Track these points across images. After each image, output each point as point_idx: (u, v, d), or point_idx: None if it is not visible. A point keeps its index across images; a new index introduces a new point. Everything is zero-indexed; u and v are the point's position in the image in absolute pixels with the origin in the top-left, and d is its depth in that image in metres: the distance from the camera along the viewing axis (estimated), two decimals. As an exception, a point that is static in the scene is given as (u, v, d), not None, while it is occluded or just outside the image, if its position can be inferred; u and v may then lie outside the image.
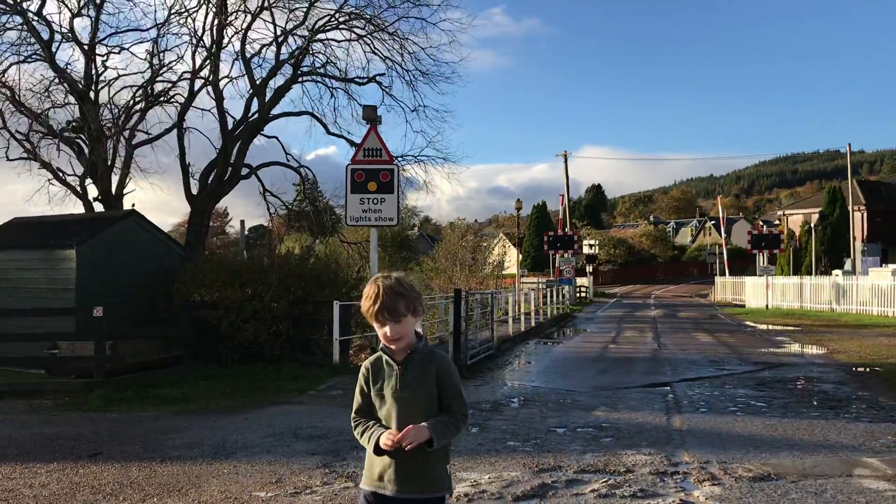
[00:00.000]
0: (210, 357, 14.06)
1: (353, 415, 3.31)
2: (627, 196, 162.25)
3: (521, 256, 40.34)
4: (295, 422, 9.34)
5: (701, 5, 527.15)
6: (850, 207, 47.87)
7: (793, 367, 14.99)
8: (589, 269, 60.38)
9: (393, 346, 3.22)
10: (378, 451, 3.11)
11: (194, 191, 19.50)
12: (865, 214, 56.50)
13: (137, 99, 19.65)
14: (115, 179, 19.24)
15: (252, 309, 14.08)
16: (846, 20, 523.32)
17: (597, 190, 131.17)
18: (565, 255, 44.76)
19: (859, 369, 14.70)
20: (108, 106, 19.61)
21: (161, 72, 19.76)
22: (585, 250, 60.90)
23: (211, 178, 19.37)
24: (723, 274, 55.18)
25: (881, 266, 38.33)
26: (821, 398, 11.22)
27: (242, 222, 21.88)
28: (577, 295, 48.06)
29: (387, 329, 3.17)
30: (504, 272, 51.73)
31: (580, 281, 51.96)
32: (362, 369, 3.33)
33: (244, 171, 20.14)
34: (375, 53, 19.98)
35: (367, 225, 15.47)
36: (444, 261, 40.57)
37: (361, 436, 3.22)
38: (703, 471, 6.88)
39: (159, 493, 6.28)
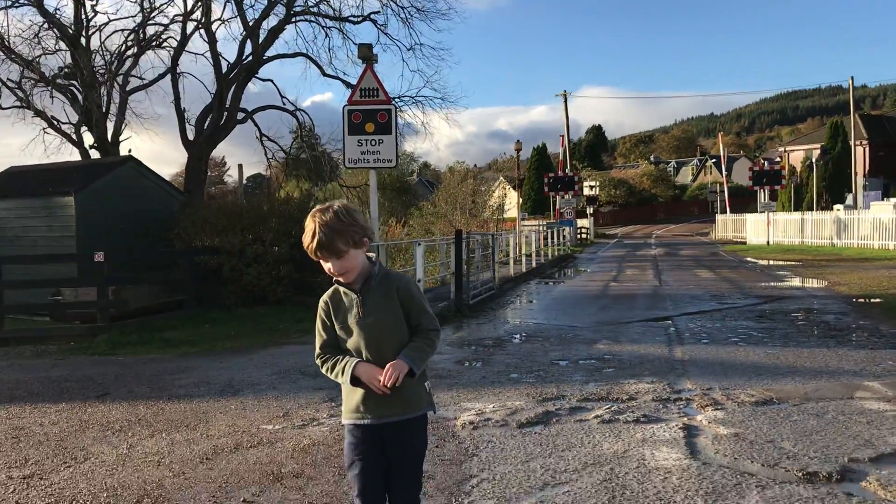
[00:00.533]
0: (213, 302, 14.12)
1: (317, 351, 3.22)
2: (628, 136, 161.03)
3: (521, 200, 40.17)
4: (300, 360, 9.40)
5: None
6: (852, 142, 47.55)
7: (794, 300, 15.04)
8: (590, 210, 60.29)
9: (342, 279, 3.13)
10: (354, 381, 3.07)
11: (191, 137, 19.37)
12: (868, 149, 56.11)
13: (129, 44, 19.38)
14: (110, 126, 19.09)
15: (254, 253, 14.09)
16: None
17: (597, 131, 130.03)
18: (566, 197, 44.62)
19: (860, 300, 14.75)
20: (100, 51, 19.34)
21: (152, 15, 19.49)
22: (586, 192, 60.69)
23: (207, 124, 19.21)
24: (724, 212, 55.05)
25: (883, 200, 38.21)
26: (822, 328, 11.27)
27: (240, 167, 21.73)
28: (578, 236, 48.09)
29: (329, 265, 3.09)
30: (504, 216, 51.71)
31: (581, 222, 51.93)
32: (321, 304, 3.23)
33: (240, 115, 19.96)
34: (370, -10, 19.57)
35: (365, 167, 15.33)
36: (443, 205, 40.44)
37: (332, 370, 3.15)
38: (705, 397, 6.95)
39: (167, 428, 6.34)
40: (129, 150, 19.43)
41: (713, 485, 4.61)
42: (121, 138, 19.08)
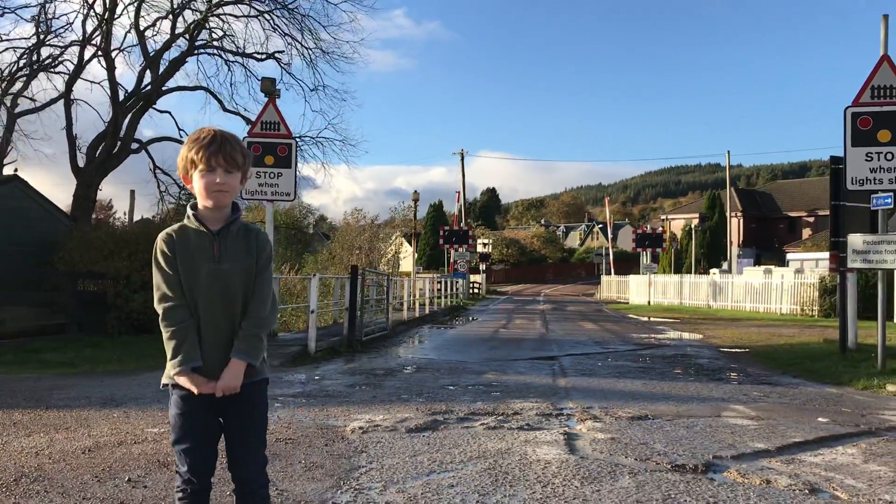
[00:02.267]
0: (96, 328, 13.65)
1: (163, 304, 2.81)
2: (520, 200, 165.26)
3: (416, 253, 40.65)
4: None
5: (596, 17, 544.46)
6: (728, 213, 50.57)
7: (671, 347, 15.82)
8: (482, 267, 61.35)
9: (210, 204, 2.84)
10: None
11: (81, 163, 18.81)
12: (742, 220, 59.78)
13: (22, 65, 18.78)
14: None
15: (141, 279, 13.73)
16: (728, 40, 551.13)
17: (491, 193, 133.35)
18: (460, 250, 45.40)
19: (731, 349, 15.65)
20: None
21: (47, 39, 18.98)
22: (479, 249, 61.89)
23: (99, 151, 18.73)
24: (609, 274, 57.17)
25: (754, 267, 40.67)
26: (696, 368, 11.94)
27: (132, 192, 21.24)
28: (471, 290, 48.83)
29: (217, 177, 2.81)
30: (400, 269, 51.95)
31: (474, 278, 52.80)
32: (162, 238, 2.85)
33: (134, 146, 19.57)
34: (275, 30, 19.83)
35: (263, 199, 15.30)
36: (340, 250, 40.35)
37: (170, 338, 2.79)
38: (585, 413, 7.29)
39: (46, 430, 6.14)
40: (15, 170, 18.67)
41: (590, 472, 4.89)
42: (5, 161, 18.36)
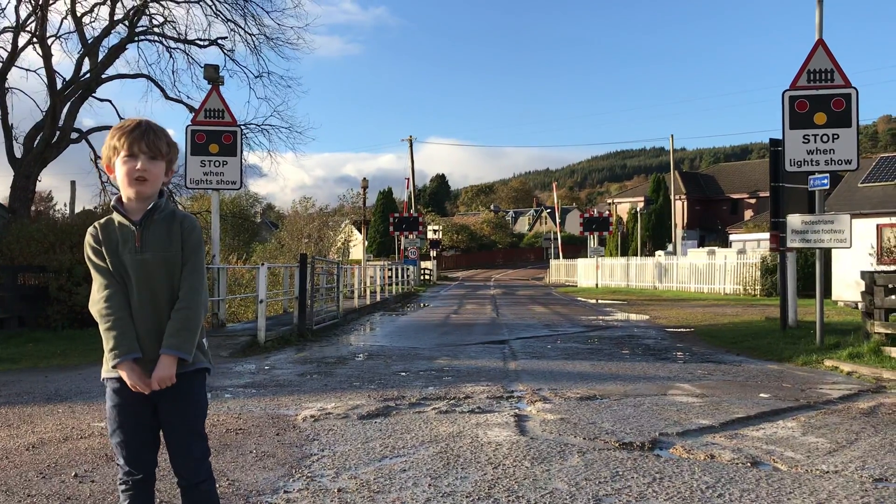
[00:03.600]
0: (38, 322, 13.33)
1: (99, 293, 2.79)
2: (470, 186, 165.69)
3: (366, 241, 40.49)
4: (133, 374, 9.05)
5: (540, 2, 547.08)
6: (672, 196, 51.46)
7: (619, 329, 16.10)
8: (433, 253, 61.39)
9: (132, 194, 2.82)
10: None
11: (18, 154, 18.26)
12: (686, 203, 60.84)
13: (-49, 52, 18.14)
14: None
15: (84, 271, 13.42)
16: (671, 25, 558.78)
17: (441, 179, 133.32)
18: (410, 237, 45.34)
19: (676, 329, 15.98)
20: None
21: (-22, 25, 18.34)
22: (430, 235, 61.84)
23: (37, 141, 18.22)
24: (557, 258, 57.76)
25: (698, 248, 41.52)
26: (643, 348, 12.18)
27: (73, 183, 20.69)
28: (422, 277, 48.89)
29: (140, 163, 2.79)
30: (350, 258, 51.73)
31: (425, 264, 52.85)
32: (89, 233, 2.86)
33: (74, 135, 19.07)
34: (217, 16, 19.46)
35: (208, 188, 15.09)
36: (289, 240, 39.94)
37: (110, 330, 2.75)
38: (535, 394, 7.39)
39: (-12, 428, 5.99)
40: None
41: (539, 452, 4.97)
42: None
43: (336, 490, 4.20)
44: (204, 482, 2.92)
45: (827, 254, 19.96)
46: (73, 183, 20.63)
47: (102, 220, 2.86)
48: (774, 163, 13.90)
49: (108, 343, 2.76)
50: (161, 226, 2.84)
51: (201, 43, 19.79)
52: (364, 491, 4.17)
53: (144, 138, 2.78)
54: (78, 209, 28.01)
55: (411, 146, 56.74)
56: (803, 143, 11.52)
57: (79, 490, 4.24)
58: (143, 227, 2.81)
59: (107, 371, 2.82)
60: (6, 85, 18.64)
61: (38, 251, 13.58)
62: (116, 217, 2.84)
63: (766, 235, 22.05)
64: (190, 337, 2.80)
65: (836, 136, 11.40)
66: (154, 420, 2.87)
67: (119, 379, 2.78)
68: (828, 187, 11.84)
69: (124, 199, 2.86)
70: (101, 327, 2.77)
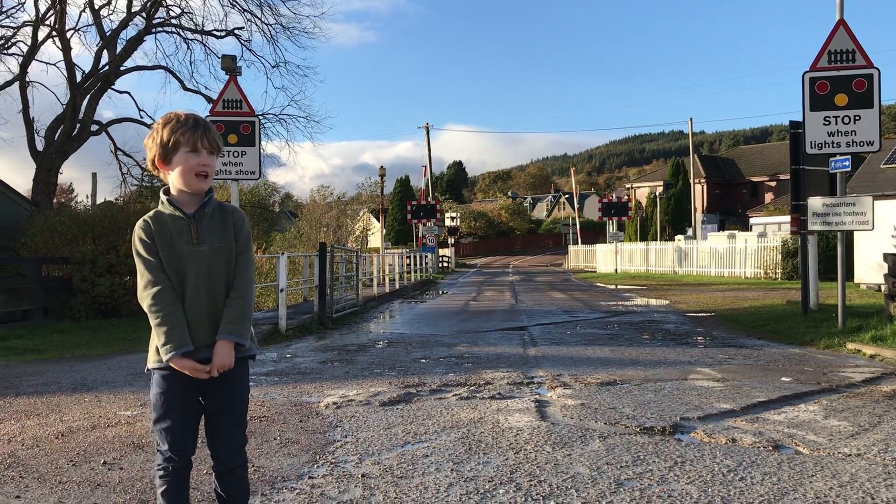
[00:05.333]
0: (62, 313, 13.50)
1: (149, 290, 2.80)
2: (487, 173, 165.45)
3: (384, 229, 40.57)
4: (157, 363, 9.17)
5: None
6: (691, 180, 51.12)
7: (639, 314, 16.07)
8: (451, 240, 61.47)
9: (193, 188, 2.88)
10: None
11: (40, 147, 18.45)
12: (705, 186, 60.48)
13: (-28, 47, 18.32)
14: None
15: (107, 262, 13.61)
16: (690, 8, 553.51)
17: (458, 166, 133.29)
18: (428, 224, 45.41)
19: (696, 314, 15.93)
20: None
21: (-1, 20, 18.51)
22: (447, 223, 61.91)
23: (58, 134, 18.39)
24: (576, 244, 57.66)
25: (718, 232, 41.27)
26: (663, 333, 12.15)
27: (94, 175, 20.87)
28: (440, 264, 48.97)
29: (202, 158, 2.86)
30: (368, 246, 51.90)
31: (443, 252, 52.95)
32: (140, 227, 2.86)
33: (94, 127, 19.22)
34: (234, 6, 19.51)
35: (227, 178, 15.14)
36: (308, 229, 40.06)
37: (159, 324, 2.78)
38: (555, 380, 7.41)
39: (17, 417, 6.10)
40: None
41: (560, 437, 5.00)
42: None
43: (360, 475, 4.26)
44: (240, 467, 3.00)
45: (849, 236, 19.79)
46: (94, 175, 20.82)
47: (151, 214, 2.89)
48: (795, 145, 13.77)
49: (160, 338, 2.80)
50: (215, 218, 2.91)
51: (218, 33, 19.90)
52: (387, 476, 4.22)
53: (207, 134, 2.85)
54: (98, 201, 28.28)
55: (428, 133, 56.73)
56: (824, 124, 11.41)
57: (108, 477, 4.32)
58: (198, 220, 2.88)
59: (154, 361, 2.88)
60: (27, 78, 18.82)
61: (61, 243, 13.74)
62: (167, 210, 2.88)
63: (787, 218, 21.84)
64: (246, 324, 2.90)
65: (857, 118, 11.28)
66: (199, 407, 2.95)
67: (168, 367, 2.83)
68: (849, 169, 11.72)
69: (175, 192, 2.91)
70: (153, 321, 2.81)
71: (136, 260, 2.86)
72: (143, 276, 2.83)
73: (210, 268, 2.86)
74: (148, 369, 2.92)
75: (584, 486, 3.99)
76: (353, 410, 6.07)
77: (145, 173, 22.88)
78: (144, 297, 2.82)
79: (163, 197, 2.92)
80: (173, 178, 2.90)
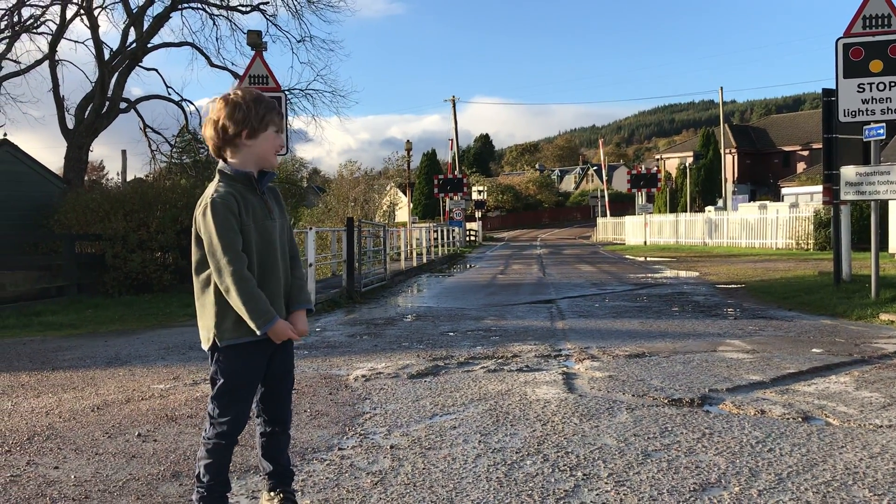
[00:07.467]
0: (95, 289, 13.73)
1: (237, 263, 2.81)
2: (514, 146, 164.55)
3: (411, 203, 40.61)
4: (189, 339, 9.31)
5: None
6: (722, 150, 50.42)
7: (668, 286, 15.97)
8: (478, 214, 61.40)
9: (272, 166, 2.99)
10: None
11: (70, 125, 18.67)
12: (736, 157, 59.65)
13: (3, 26, 18.50)
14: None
15: (138, 239, 13.79)
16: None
17: (485, 139, 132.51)
18: (455, 198, 45.37)
19: (727, 286, 15.80)
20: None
21: (27, -1, 18.66)
22: (474, 196, 61.78)
23: (88, 112, 18.58)
24: (604, 216, 57.28)
25: (749, 203, 40.77)
26: (693, 305, 12.08)
27: (124, 153, 21.15)
28: (468, 238, 48.99)
29: (282, 138, 3.03)
30: (395, 220, 52.01)
31: (470, 225, 52.92)
32: (223, 201, 2.83)
33: (123, 105, 19.39)
34: (259, -20, 19.46)
35: (255, 154, 15.25)
36: (335, 203, 40.25)
37: (251, 299, 2.81)
38: (583, 352, 7.41)
39: (54, 390, 6.24)
40: (5, 135, 18.55)
41: (588, 409, 5.01)
42: (-8, 125, 18.24)
43: (388, 447, 4.30)
44: (290, 428, 3.28)
45: (883, 206, 19.45)
46: (123, 152, 21.14)
47: (226, 188, 2.87)
48: (827, 113, 13.50)
49: (253, 310, 2.82)
50: (272, 194, 3.06)
51: (243, 9, 19.93)
52: (416, 447, 4.27)
53: (280, 115, 3.01)
54: (129, 178, 28.59)
55: (454, 107, 56.48)
56: (858, 92, 11.18)
57: (142, 448, 4.41)
58: (266, 196, 3.00)
59: (233, 336, 2.90)
60: (56, 57, 19.02)
61: (93, 220, 13.94)
62: (240, 182, 2.91)
63: (819, 188, 21.49)
64: (308, 293, 3.18)
65: (892, 84, 11.03)
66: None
67: (253, 340, 2.91)
68: (884, 137, 11.48)
69: (252, 168, 2.94)
70: (239, 294, 2.82)
71: (217, 234, 2.80)
72: (227, 250, 2.79)
73: (279, 241, 3.01)
74: (224, 346, 2.91)
75: (611, 458, 4.00)
76: (381, 383, 6.13)
77: (174, 149, 23.10)
78: (226, 272, 2.79)
79: (230, 171, 2.91)
80: (248, 154, 2.91)
